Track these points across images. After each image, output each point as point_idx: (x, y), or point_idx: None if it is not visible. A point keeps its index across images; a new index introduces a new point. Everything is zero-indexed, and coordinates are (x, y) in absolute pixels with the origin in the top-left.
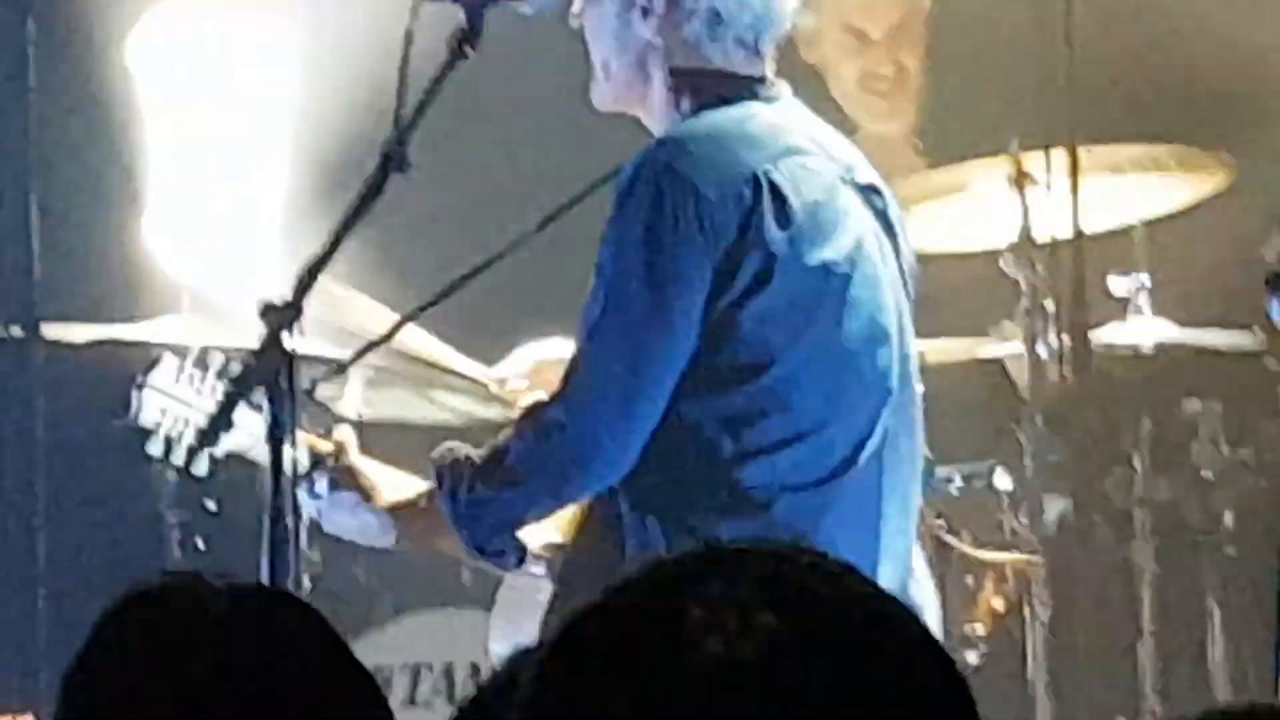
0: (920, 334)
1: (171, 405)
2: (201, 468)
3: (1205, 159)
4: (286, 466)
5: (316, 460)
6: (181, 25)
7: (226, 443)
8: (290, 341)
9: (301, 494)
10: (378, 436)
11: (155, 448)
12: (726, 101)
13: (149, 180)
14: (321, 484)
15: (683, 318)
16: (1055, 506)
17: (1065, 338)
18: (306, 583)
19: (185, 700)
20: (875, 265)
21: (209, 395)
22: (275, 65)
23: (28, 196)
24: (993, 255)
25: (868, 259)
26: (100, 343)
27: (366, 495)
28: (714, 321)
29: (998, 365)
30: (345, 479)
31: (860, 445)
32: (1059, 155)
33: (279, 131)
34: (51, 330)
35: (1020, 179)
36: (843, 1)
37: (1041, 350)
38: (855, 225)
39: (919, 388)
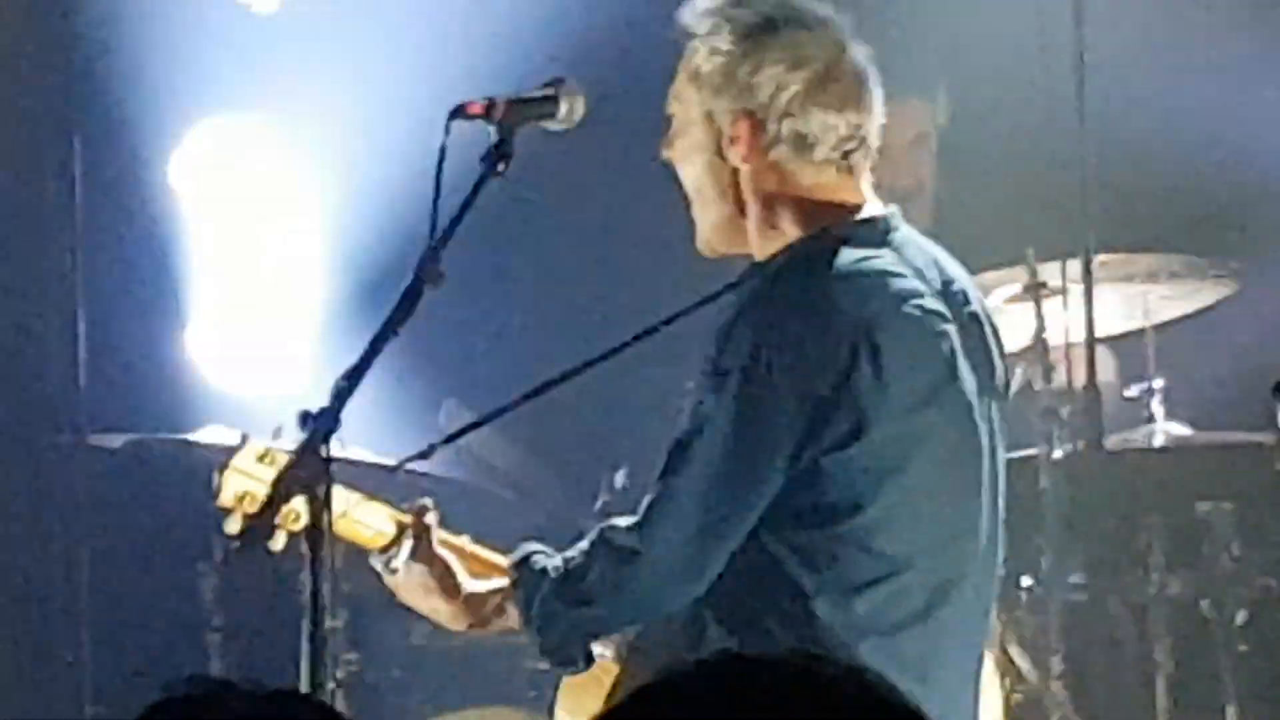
0: None
1: (251, 485)
2: (279, 543)
3: (1215, 269)
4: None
5: (401, 529)
6: (223, 143)
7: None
8: (327, 450)
9: (377, 563)
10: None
11: (233, 527)
12: (835, 226)
13: (192, 292)
14: (400, 557)
15: (768, 468)
16: (1072, 604)
17: (1080, 443)
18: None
19: None
20: (972, 402)
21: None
22: (313, 179)
23: (75, 310)
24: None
25: (966, 398)
26: (143, 448)
27: (441, 582)
28: (802, 468)
29: (1019, 467)
30: (424, 555)
31: (951, 583)
32: (1073, 265)
33: (317, 244)
34: (97, 439)
35: (1035, 288)
36: None
37: (1058, 454)
38: (956, 366)
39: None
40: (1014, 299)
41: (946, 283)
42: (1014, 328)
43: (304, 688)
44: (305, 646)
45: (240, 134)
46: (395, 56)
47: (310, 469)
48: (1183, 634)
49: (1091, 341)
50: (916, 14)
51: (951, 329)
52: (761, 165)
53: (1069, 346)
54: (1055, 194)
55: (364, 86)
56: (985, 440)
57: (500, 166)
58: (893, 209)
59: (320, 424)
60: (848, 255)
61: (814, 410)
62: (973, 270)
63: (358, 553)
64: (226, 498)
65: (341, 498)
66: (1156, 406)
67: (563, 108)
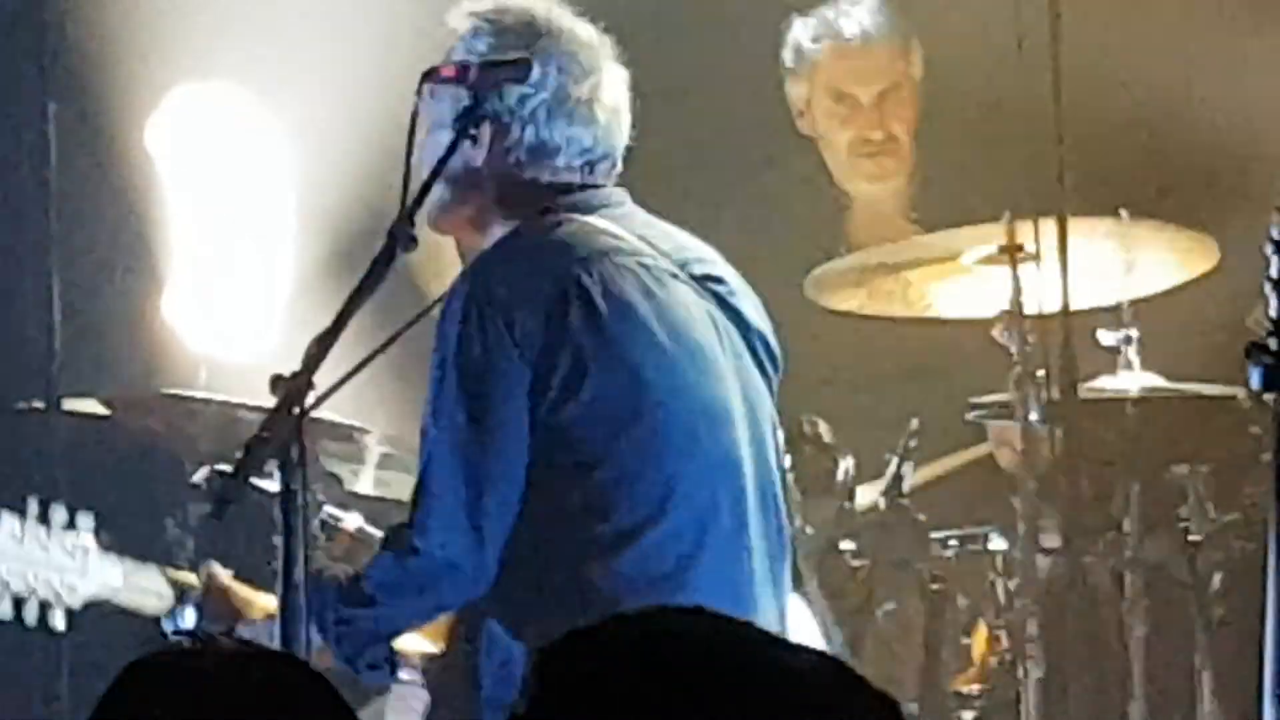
0: (914, 400)
1: (13, 565)
2: (59, 623)
3: (1192, 239)
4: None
5: (181, 592)
6: (198, 107)
7: (85, 591)
8: (300, 411)
9: (166, 625)
10: (388, 515)
11: (3, 609)
12: (544, 213)
13: (167, 257)
14: (187, 615)
15: (503, 429)
16: (1047, 568)
17: (1054, 392)
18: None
19: None
20: (710, 352)
21: (57, 548)
22: (288, 143)
23: (49, 274)
24: (984, 324)
25: (701, 348)
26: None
27: (238, 614)
28: (540, 427)
29: (993, 433)
30: (218, 603)
31: (706, 533)
32: (1048, 226)
33: (292, 207)
34: (71, 404)
35: (1011, 250)
36: (833, 69)
37: (1033, 417)
38: (683, 316)
39: (783, 460)
40: (988, 260)
41: (681, 248)
42: (990, 292)
43: (277, 647)
44: (279, 606)
45: (214, 99)
46: (369, 20)
47: (283, 431)
48: (1159, 598)
49: (1066, 305)
50: None
51: (679, 283)
52: (501, 167)
53: (1043, 315)
54: (1032, 154)
55: (338, 50)
56: (736, 399)
57: (473, 131)
58: (620, 190)
59: (292, 387)
60: (551, 218)
61: (535, 362)
62: (950, 224)
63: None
64: None
65: (114, 569)
66: (1133, 355)
67: (535, 71)
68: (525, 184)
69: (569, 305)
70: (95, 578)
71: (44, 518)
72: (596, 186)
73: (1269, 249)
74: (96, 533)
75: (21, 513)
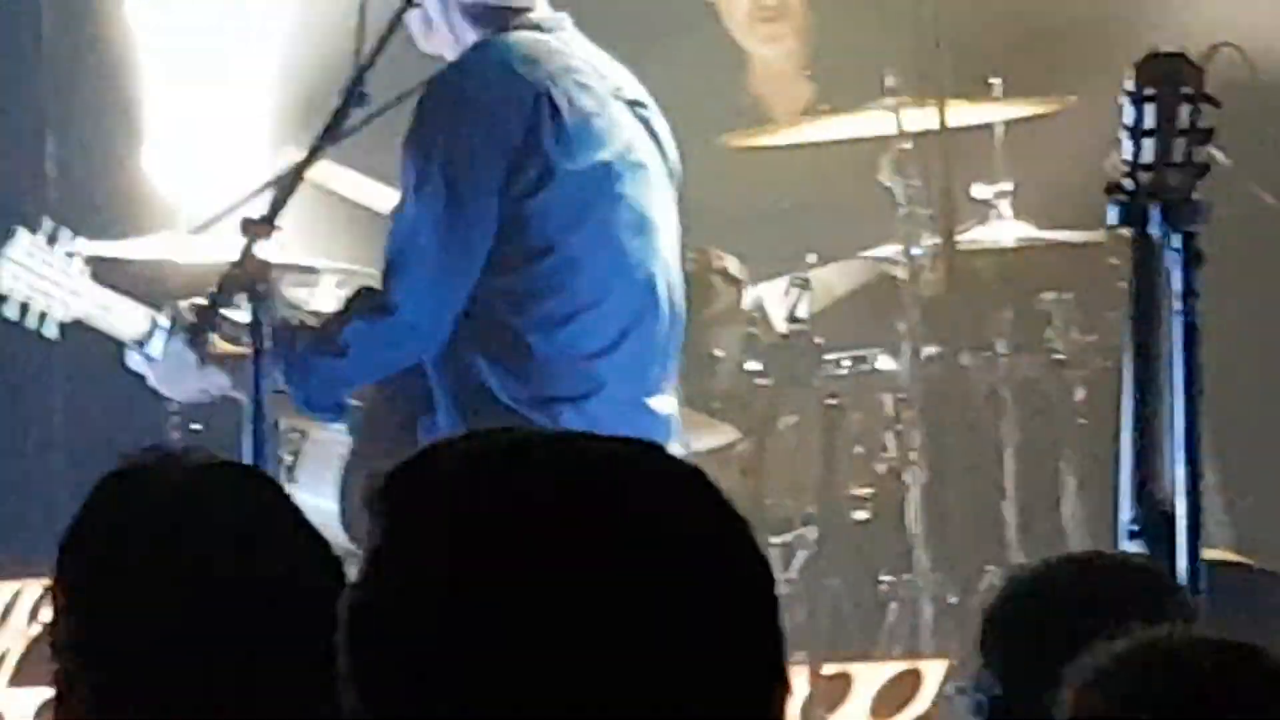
0: (814, 246)
1: (23, 274)
2: (53, 331)
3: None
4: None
5: (154, 326)
6: None
7: (76, 308)
8: (266, 251)
9: (133, 356)
10: None
11: (11, 311)
12: (506, 30)
13: (148, 113)
14: (158, 343)
15: (476, 208)
16: (930, 386)
17: (937, 239)
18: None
19: (164, 559)
20: (643, 167)
21: (59, 267)
22: (261, 8)
23: (43, 129)
24: (871, 168)
25: (636, 162)
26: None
27: (200, 351)
28: (505, 215)
29: (881, 266)
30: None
31: (634, 319)
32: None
33: (264, 67)
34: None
35: (895, 107)
36: None
37: (916, 250)
38: (623, 134)
39: (679, 275)
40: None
41: (614, 73)
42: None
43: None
44: (248, 442)
45: None
46: None
47: (251, 269)
48: (1028, 411)
49: (945, 148)
50: None
51: (618, 104)
52: None
53: (922, 135)
54: (914, 22)
55: None
56: (660, 211)
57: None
58: (562, 15)
59: (260, 228)
60: (518, 35)
61: (508, 159)
62: (839, 86)
63: None
64: (4, 285)
65: (100, 295)
66: (1005, 207)
67: None
68: (485, 4)
69: (540, 114)
70: (86, 299)
71: (53, 239)
72: (545, 14)
73: (1123, 98)
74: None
75: (35, 230)
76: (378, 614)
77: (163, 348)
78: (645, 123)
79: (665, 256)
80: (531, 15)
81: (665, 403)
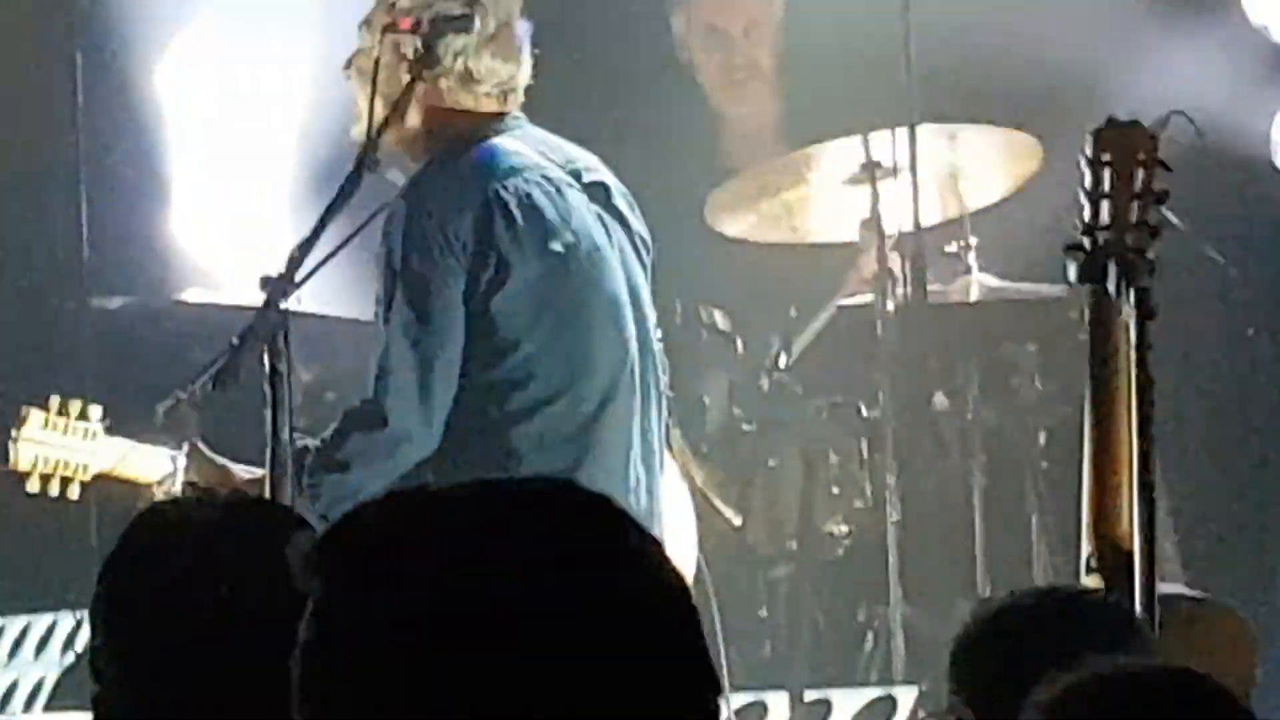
0: (794, 300)
1: (39, 450)
2: (74, 494)
3: (1025, 145)
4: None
5: (175, 464)
6: (207, 46)
7: (95, 466)
8: (284, 305)
9: (158, 491)
10: None
11: (33, 486)
12: (469, 140)
13: (177, 178)
14: (177, 481)
15: (444, 320)
16: (904, 430)
17: (909, 293)
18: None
19: (194, 592)
20: (603, 249)
21: (75, 433)
22: (283, 80)
23: (79, 192)
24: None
25: (595, 246)
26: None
27: (222, 479)
28: (470, 318)
29: (858, 316)
30: (202, 470)
31: (606, 399)
32: (902, 135)
33: (285, 136)
34: (99, 301)
35: (871, 168)
36: (705, 4)
37: (890, 305)
38: (580, 219)
39: (658, 345)
40: (852, 180)
41: (570, 160)
42: (854, 209)
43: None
44: (268, 461)
45: (223, 36)
46: None
47: (269, 323)
48: (995, 454)
49: (917, 218)
50: None
51: (574, 192)
52: (431, 90)
53: (900, 234)
54: (886, 78)
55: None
56: (624, 288)
57: (425, 73)
58: (518, 113)
59: (277, 285)
60: (476, 143)
61: (468, 263)
62: (811, 141)
63: (314, 401)
64: (24, 464)
65: (117, 448)
66: (971, 261)
67: (476, 23)
68: (451, 110)
69: (493, 215)
70: (105, 455)
71: (62, 410)
72: (505, 114)
73: (1082, 163)
74: (104, 419)
75: (45, 407)
76: (325, 660)
77: (183, 479)
78: (605, 204)
79: (632, 330)
80: (491, 121)
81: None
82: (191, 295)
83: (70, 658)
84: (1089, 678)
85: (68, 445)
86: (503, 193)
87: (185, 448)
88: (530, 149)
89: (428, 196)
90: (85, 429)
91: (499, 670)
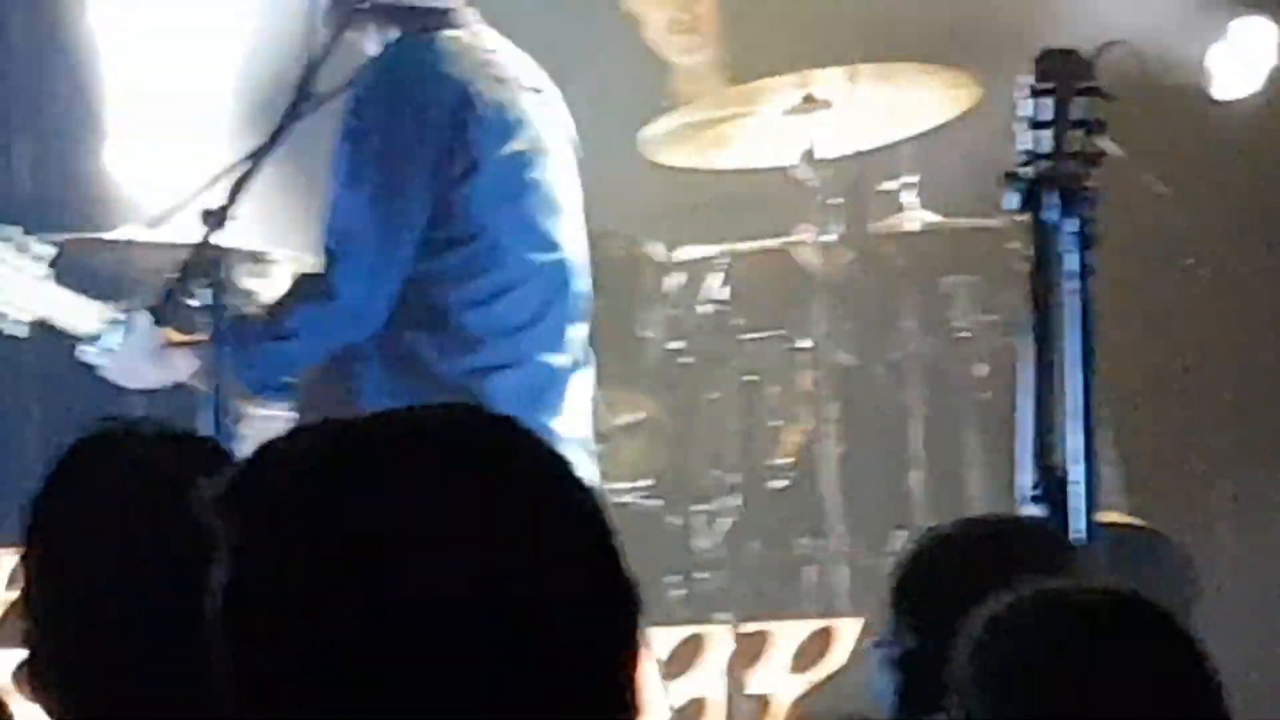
0: (733, 233)
1: None
2: (20, 330)
3: (962, 79)
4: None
5: (110, 320)
6: None
7: (37, 310)
8: (223, 239)
9: (88, 350)
10: None
11: None
12: (426, 29)
13: (111, 112)
14: (114, 336)
15: (409, 198)
16: (843, 361)
17: (848, 225)
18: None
19: (123, 525)
20: (550, 153)
21: (23, 271)
22: (220, 11)
23: (9, 128)
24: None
25: (544, 149)
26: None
27: (162, 339)
28: (435, 204)
29: (798, 249)
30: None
31: (551, 296)
32: (842, 73)
33: (223, 68)
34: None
35: (809, 99)
36: None
37: (829, 238)
38: (533, 122)
39: (585, 252)
40: (791, 110)
41: (518, 62)
42: (789, 137)
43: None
44: (205, 423)
45: None
46: None
47: (210, 256)
48: (934, 384)
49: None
50: None
51: (530, 95)
52: None
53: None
54: (827, 16)
55: None
56: (567, 190)
57: (363, 3)
58: (470, 8)
59: (217, 218)
60: (439, 34)
61: (439, 151)
62: (753, 77)
63: None
64: None
65: (56, 294)
66: (910, 198)
67: None
68: (412, 6)
69: (465, 109)
70: (43, 299)
71: (23, 248)
72: (456, 10)
73: (1021, 92)
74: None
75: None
76: (246, 599)
77: (120, 339)
78: (548, 107)
79: (573, 235)
80: (447, 14)
81: (582, 374)
82: (127, 232)
83: (13, 594)
84: (1028, 595)
85: (13, 281)
86: (474, 86)
87: (124, 304)
88: (486, 45)
89: (403, 79)
90: (35, 270)
91: (417, 601)
